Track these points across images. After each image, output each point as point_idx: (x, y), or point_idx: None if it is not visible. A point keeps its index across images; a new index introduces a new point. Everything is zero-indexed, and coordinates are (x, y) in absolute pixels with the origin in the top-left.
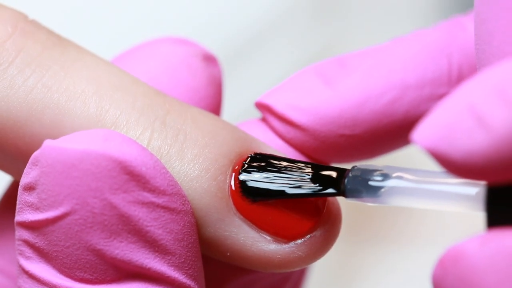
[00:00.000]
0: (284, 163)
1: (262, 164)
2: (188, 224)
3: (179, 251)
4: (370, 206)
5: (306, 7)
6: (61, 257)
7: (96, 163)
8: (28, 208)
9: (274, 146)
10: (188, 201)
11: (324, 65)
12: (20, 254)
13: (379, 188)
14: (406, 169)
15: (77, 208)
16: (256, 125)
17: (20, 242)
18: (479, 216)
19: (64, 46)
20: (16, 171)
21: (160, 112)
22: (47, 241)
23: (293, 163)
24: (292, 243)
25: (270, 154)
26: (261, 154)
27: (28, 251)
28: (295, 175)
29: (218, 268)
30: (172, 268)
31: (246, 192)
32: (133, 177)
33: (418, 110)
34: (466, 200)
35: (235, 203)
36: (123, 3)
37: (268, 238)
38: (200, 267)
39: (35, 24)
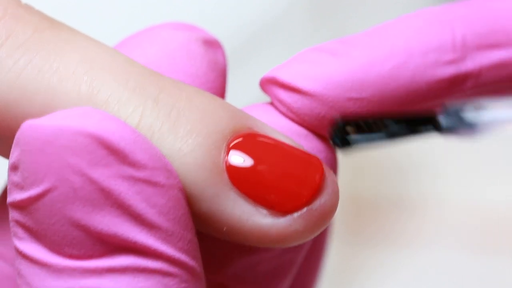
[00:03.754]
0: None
1: (353, 122)
2: (174, 198)
3: (165, 224)
4: (369, 207)
5: (306, 5)
6: (49, 235)
7: (72, 138)
8: (15, 188)
9: (276, 127)
10: (174, 176)
11: (323, 45)
12: (14, 235)
13: (474, 121)
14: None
15: (57, 185)
16: (259, 107)
17: (13, 223)
18: (480, 216)
19: (56, 29)
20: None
21: (153, 91)
22: (34, 219)
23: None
24: (288, 217)
25: (357, 115)
26: (349, 117)
27: (20, 232)
28: (388, 121)
29: (219, 249)
30: (159, 241)
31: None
32: (111, 151)
33: (424, 76)
34: None
35: (230, 178)
36: (121, 1)
37: (264, 212)
38: (191, 240)
39: (27, 9)
